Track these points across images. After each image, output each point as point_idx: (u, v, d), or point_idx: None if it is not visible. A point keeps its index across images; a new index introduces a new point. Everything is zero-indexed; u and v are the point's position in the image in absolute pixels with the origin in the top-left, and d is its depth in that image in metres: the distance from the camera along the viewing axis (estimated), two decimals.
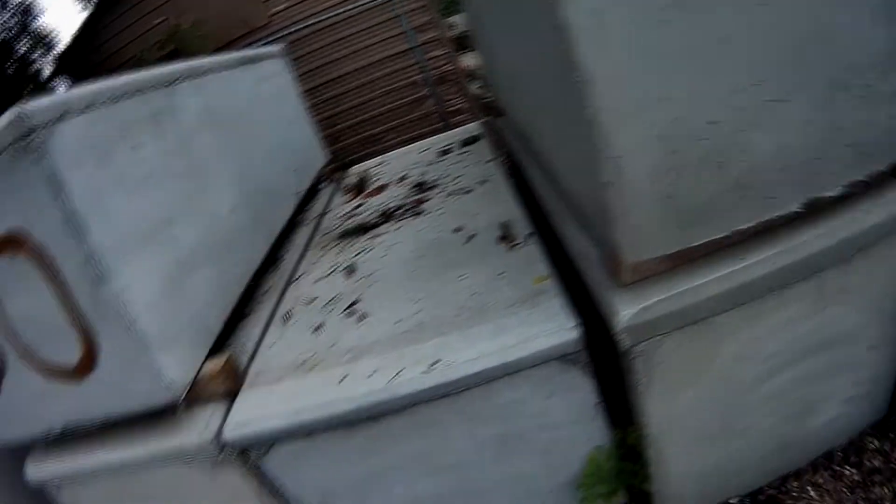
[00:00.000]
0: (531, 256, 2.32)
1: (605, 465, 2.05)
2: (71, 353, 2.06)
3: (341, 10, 6.76)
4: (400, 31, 6.76)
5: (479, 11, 3.43)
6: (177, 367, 2.13)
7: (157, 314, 2.12)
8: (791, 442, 2.15)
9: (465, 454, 2.05)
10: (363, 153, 6.33)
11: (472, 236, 2.70)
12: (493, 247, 2.53)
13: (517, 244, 2.46)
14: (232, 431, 2.07)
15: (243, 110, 3.48)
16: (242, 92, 3.60)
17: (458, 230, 2.82)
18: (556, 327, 1.86)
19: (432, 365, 1.93)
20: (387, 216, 3.42)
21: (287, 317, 2.67)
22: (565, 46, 1.44)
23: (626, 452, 2.06)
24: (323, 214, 3.97)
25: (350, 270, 2.89)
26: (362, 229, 3.35)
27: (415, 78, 6.86)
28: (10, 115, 1.83)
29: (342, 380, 2.05)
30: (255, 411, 2.11)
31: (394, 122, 7.19)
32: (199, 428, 2.13)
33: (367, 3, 6.77)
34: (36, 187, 1.84)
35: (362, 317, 2.41)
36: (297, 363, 2.27)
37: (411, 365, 1.97)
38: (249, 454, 2.09)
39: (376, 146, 6.90)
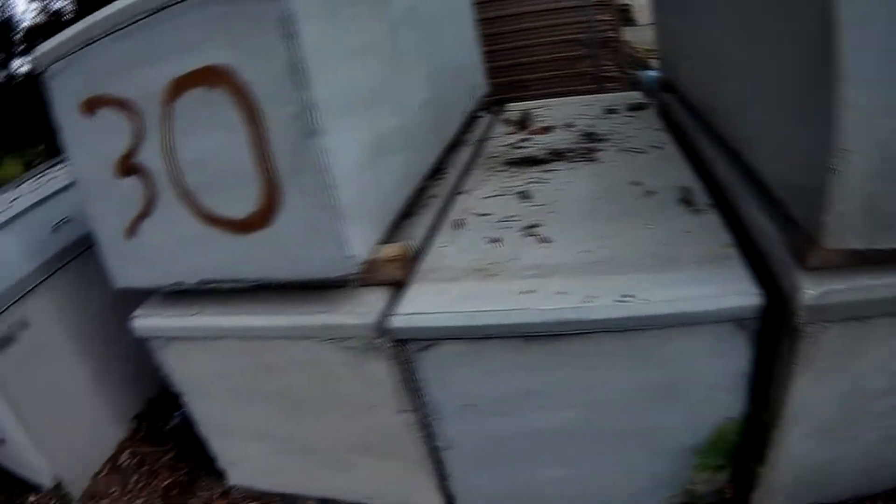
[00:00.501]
0: (712, 223, 2.26)
1: (730, 439, 2.07)
2: (242, 204, 2.04)
3: None
4: None
5: None
6: (360, 242, 2.07)
7: (353, 185, 2.05)
8: (888, 463, 2.15)
9: (618, 394, 2.03)
10: (511, 96, 6.16)
11: (651, 192, 2.62)
12: (674, 207, 2.45)
13: (698, 209, 2.40)
14: (399, 320, 2.03)
15: (435, 16, 3.40)
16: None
17: (635, 184, 2.73)
18: (741, 290, 1.85)
19: (624, 296, 1.89)
20: (557, 154, 3.31)
21: (459, 224, 2.61)
22: (823, 42, 1.49)
23: (752, 429, 2.06)
24: (483, 140, 3.88)
25: (524, 195, 2.81)
26: (531, 161, 3.25)
27: (578, 35, 6.60)
28: None
29: (525, 293, 2.00)
30: (425, 305, 2.07)
31: (547, 74, 6.98)
32: (361, 309, 2.09)
33: None
34: (265, 26, 1.77)
35: (544, 240, 2.34)
36: (474, 268, 2.21)
37: (602, 294, 1.92)
38: (406, 347, 2.05)
39: (525, 92, 6.72)
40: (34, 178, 4.10)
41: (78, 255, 3.07)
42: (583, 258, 2.15)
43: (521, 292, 2.00)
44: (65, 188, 3.34)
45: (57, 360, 2.96)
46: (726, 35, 2.45)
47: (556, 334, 1.91)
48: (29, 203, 3.17)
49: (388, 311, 2.07)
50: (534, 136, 3.81)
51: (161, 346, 2.46)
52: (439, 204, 2.83)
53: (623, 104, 4.16)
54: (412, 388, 2.13)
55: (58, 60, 2.12)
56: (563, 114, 4.18)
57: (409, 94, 2.79)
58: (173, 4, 1.87)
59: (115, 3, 1.99)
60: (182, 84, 1.96)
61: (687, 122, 3.31)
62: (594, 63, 6.67)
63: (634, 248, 2.16)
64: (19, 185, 3.94)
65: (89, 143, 2.20)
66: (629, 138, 3.43)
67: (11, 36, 15.42)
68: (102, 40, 2.01)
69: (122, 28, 1.97)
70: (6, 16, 15.22)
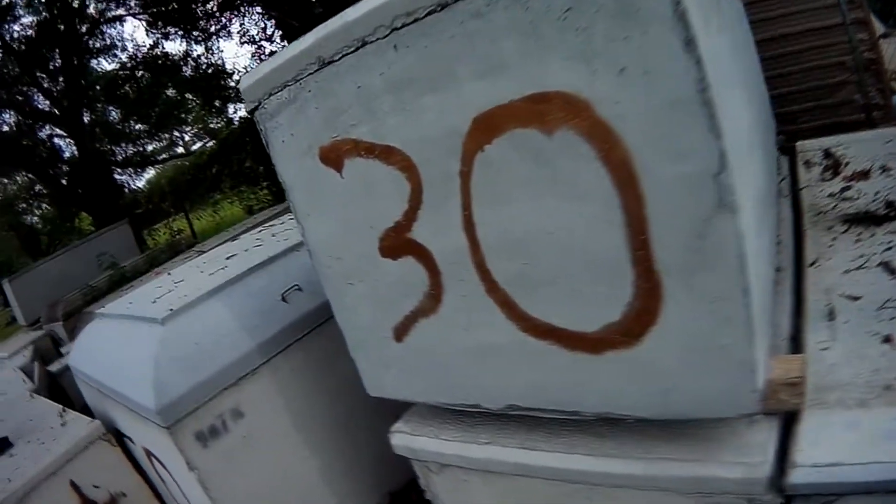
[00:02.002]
0: None
1: None
2: (592, 311, 1.35)
3: None
4: (832, 3, 5.62)
5: None
6: (763, 364, 1.32)
7: (759, 281, 1.33)
8: None
9: None
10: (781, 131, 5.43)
11: None
12: None
13: None
14: (804, 473, 1.28)
15: (745, 41, 2.74)
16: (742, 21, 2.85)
17: None
18: None
19: None
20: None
21: (829, 313, 1.84)
22: None
23: None
24: (796, 189, 3.11)
25: (891, 268, 2.01)
26: (873, 218, 2.47)
27: (842, 58, 5.72)
28: None
29: None
30: (835, 448, 1.31)
31: (808, 104, 6.17)
32: (748, 458, 1.35)
33: None
34: (651, 31, 1.05)
35: None
36: (881, 384, 1.44)
37: None
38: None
39: (792, 126, 5.93)
40: (255, 231, 3.82)
41: (309, 331, 2.61)
42: None
43: None
44: (295, 247, 2.93)
45: (275, 454, 2.51)
46: None
47: None
48: (251, 263, 2.76)
49: (783, 459, 1.34)
50: (852, 182, 3.02)
51: (430, 471, 1.92)
52: (789, 281, 2.08)
53: None
54: None
55: (275, 92, 1.62)
56: (865, 152, 3.38)
57: (750, 138, 2.03)
58: None
59: (362, 2, 1.38)
60: (492, 124, 1.28)
61: None
62: (860, 89, 5.76)
63: None
64: (234, 236, 3.65)
65: (332, 204, 1.69)
66: None
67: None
68: (347, 59, 1.44)
69: (381, 38, 1.36)
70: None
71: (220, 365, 2.33)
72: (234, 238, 3.74)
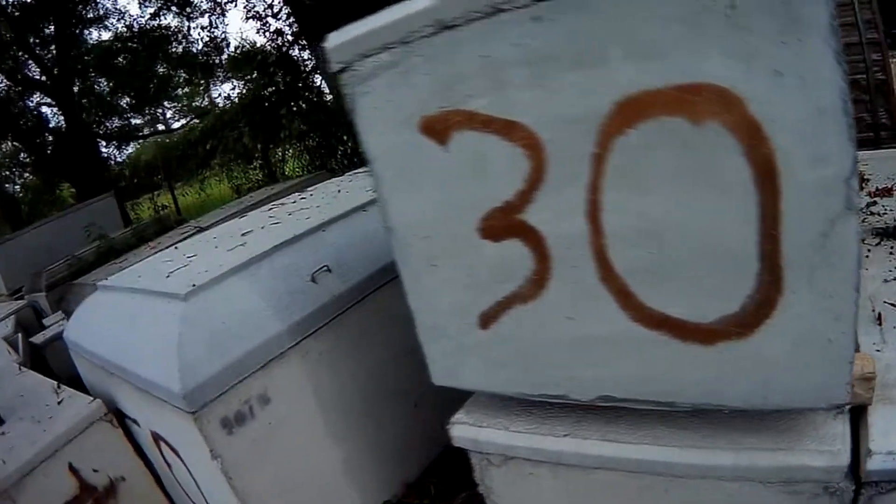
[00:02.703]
0: None
1: None
2: (712, 303, 1.33)
3: None
4: (849, 22, 5.58)
5: None
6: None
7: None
8: None
9: None
10: None
11: None
12: None
13: None
14: (881, 460, 1.35)
15: None
16: None
17: None
18: None
19: None
20: None
21: (878, 319, 1.88)
22: None
23: None
24: None
25: None
26: None
27: (856, 76, 5.73)
28: None
29: None
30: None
31: None
32: (828, 446, 1.39)
33: None
34: (808, 36, 1.07)
35: None
36: None
37: None
38: (864, 491, 1.41)
39: None
40: (265, 209, 3.63)
41: (339, 314, 2.44)
42: None
43: None
44: (322, 225, 2.76)
45: (299, 443, 2.36)
46: None
47: None
48: (275, 241, 2.58)
49: (856, 449, 1.41)
50: (877, 198, 3.02)
51: (491, 463, 1.80)
52: None
53: None
54: None
55: (373, 54, 1.48)
56: (883, 169, 3.37)
57: None
58: None
59: None
60: (638, 108, 1.23)
61: None
62: (869, 109, 5.78)
63: None
64: (237, 213, 3.48)
65: (428, 179, 1.56)
66: None
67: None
68: (474, 25, 1.33)
69: (520, 7, 1.26)
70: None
71: (249, 346, 2.16)
72: (237, 214, 3.55)
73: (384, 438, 2.63)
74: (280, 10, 13.16)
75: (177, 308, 2.23)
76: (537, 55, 1.29)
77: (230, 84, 17.89)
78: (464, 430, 1.82)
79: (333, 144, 9.53)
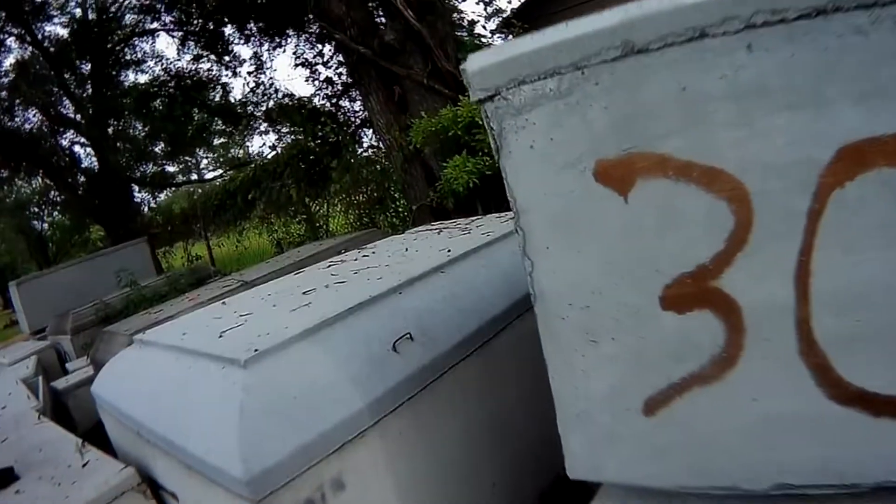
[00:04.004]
0: None
1: None
2: None
3: None
4: None
5: None
6: None
7: None
8: None
9: None
10: None
11: None
12: None
13: None
14: None
15: None
16: None
17: None
18: None
19: None
20: None
21: None
22: None
23: None
24: None
25: None
26: None
27: None
28: None
29: None
30: None
31: None
32: None
33: None
34: None
35: None
36: None
37: None
38: None
39: None
40: (322, 265, 3.36)
41: (421, 389, 2.13)
42: None
43: None
44: (398, 287, 2.46)
45: None
46: None
47: None
48: (348, 302, 2.28)
49: None
50: None
51: None
52: None
53: None
54: None
55: (533, 80, 1.27)
56: None
57: None
58: (851, 9, 1.03)
59: None
60: (860, 158, 1.10)
61: None
62: None
63: None
64: (287, 264, 3.23)
65: (596, 237, 1.33)
66: None
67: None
68: (671, 50, 1.15)
69: (730, 33, 1.10)
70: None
71: (326, 425, 1.83)
72: (285, 270, 3.29)
73: None
74: (331, 58, 13.22)
75: (236, 376, 1.92)
76: (747, 89, 1.14)
77: (272, 135, 17.99)
78: None
79: (385, 201, 9.36)
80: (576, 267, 1.36)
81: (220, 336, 2.32)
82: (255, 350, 1.98)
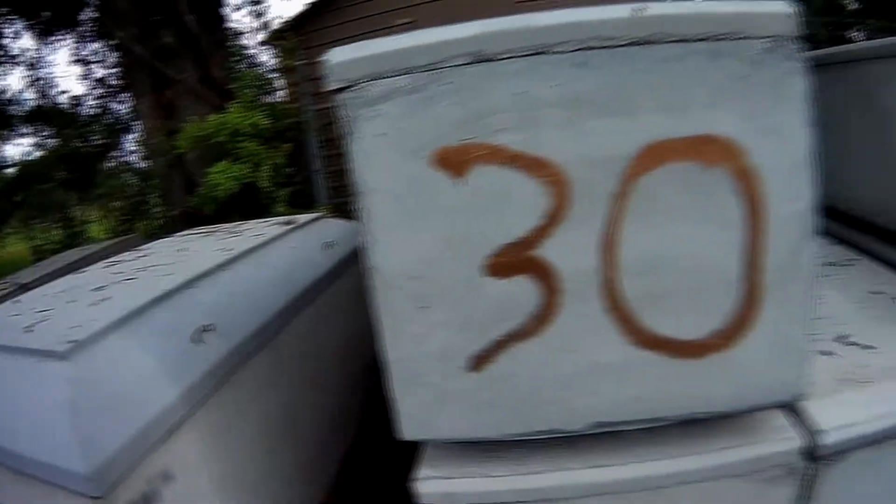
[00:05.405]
0: None
1: None
2: (702, 321, 1.57)
3: None
4: None
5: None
6: None
7: None
8: None
9: None
10: None
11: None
12: None
13: None
14: (829, 436, 1.72)
15: None
16: None
17: (878, 293, 2.63)
18: None
19: None
20: None
21: None
22: None
23: None
24: None
25: None
26: None
27: None
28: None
29: None
30: (843, 416, 1.78)
31: None
32: (780, 434, 1.76)
33: None
34: (789, 103, 1.45)
35: (867, 347, 2.10)
36: (841, 378, 1.94)
37: None
38: (816, 465, 1.76)
39: None
40: (106, 264, 3.16)
41: (229, 376, 2.24)
42: None
43: None
44: (194, 280, 2.50)
45: None
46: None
47: None
48: (149, 296, 2.29)
49: (812, 430, 1.77)
50: None
51: None
52: None
53: None
54: None
55: (389, 76, 1.45)
56: None
57: None
58: (664, 43, 1.39)
59: (549, 13, 1.42)
60: (660, 153, 1.43)
61: (859, 238, 3.32)
62: None
63: None
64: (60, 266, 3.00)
65: (433, 215, 1.52)
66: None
67: None
68: (515, 62, 1.40)
69: (566, 52, 1.40)
70: None
71: (151, 414, 1.85)
72: (68, 272, 3.08)
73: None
74: (107, 57, 11.77)
75: (58, 369, 1.84)
76: (574, 98, 1.41)
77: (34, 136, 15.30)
78: (433, 485, 1.73)
79: (144, 206, 8.62)
80: (412, 242, 1.52)
81: (29, 331, 2.15)
82: (74, 341, 1.91)
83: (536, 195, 1.46)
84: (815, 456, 1.73)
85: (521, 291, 1.53)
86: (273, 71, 7.93)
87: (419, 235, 1.53)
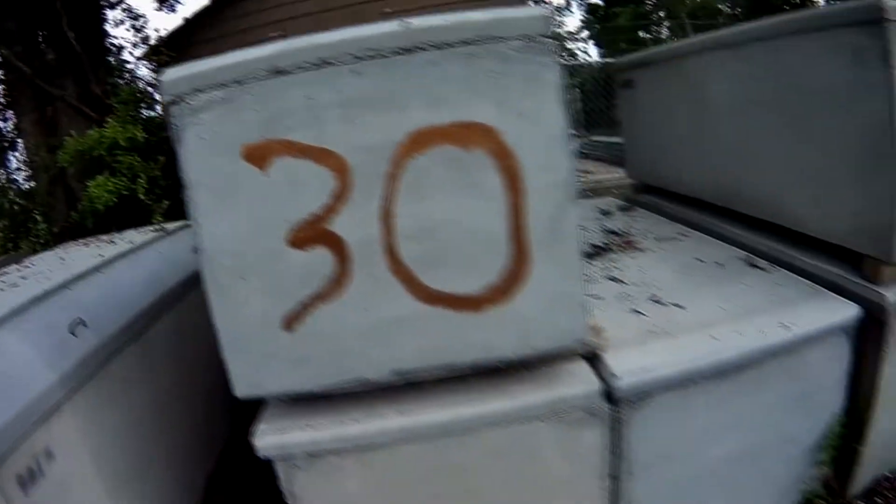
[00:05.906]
0: (787, 276, 2.63)
1: (837, 431, 2.40)
2: (478, 278, 1.82)
3: None
4: None
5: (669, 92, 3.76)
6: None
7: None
8: None
9: (767, 412, 2.25)
10: None
11: (720, 264, 2.84)
12: (749, 270, 2.73)
13: (767, 270, 2.72)
14: (626, 380, 1.98)
15: None
16: None
17: (700, 260, 2.93)
18: (845, 308, 2.29)
19: (783, 325, 2.17)
20: (603, 249, 3.36)
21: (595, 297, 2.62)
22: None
23: (852, 418, 2.42)
24: None
25: (617, 280, 2.85)
26: (586, 255, 3.22)
27: None
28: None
29: (712, 338, 2.13)
30: (641, 362, 2.04)
31: None
32: (577, 379, 2.01)
33: None
34: (543, 91, 1.71)
35: (678, 305, 2.43)
36: (648, 331, 2.24)
37: (764, 329, 2.17)
38: (620, 408, 2.01)
39: None
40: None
41: (104, 364, 2.46)
42: (721, 312, 2.31)
43: (709, 339, 2.12)
44: (70, 282, 2.73)
45: (89, 495, 2.28)
46: (762, 134, 2.86)
47: (743, 366, 2.10)
48: (28, 295, 2.49)
49: (608, 375, 2.01)
50: None
51: (297, 467, 1.98)
52: None
53: (614, 206, 4.52)
54: (616, 452, 2.07)
55: (207, 90, 1.71)
56: None
57: None
58: (427, 49, 1.66)
59: (331, 32, 1.69)
60: (425, 139, 1.70)
61: (692, 215, 3.69)
62: None
63: (751, 298, 2.41)
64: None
65: (243, 201, 1.78)
66: (648, 231, 3.65)
67: None
68: (304, 73, 1.67)
69: (344, 63, 1.66)
70: None
71: (31, 395, 2.04)
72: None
73: (167, 477, 2.72)
74: None
75: None
76: (350, 99, 1.66)
77: None
78: (268, 438, 1.94)
79: (27, 224, 8.48)
80: (228, 224, 1.76)
81: None
82: None
83: (324, 179, 1.71)
84: (615, 398, 1.95)
85: (319, 260, 1.77)
86: (151, 85, 7.98)
87: (234, 218, 1.78)
